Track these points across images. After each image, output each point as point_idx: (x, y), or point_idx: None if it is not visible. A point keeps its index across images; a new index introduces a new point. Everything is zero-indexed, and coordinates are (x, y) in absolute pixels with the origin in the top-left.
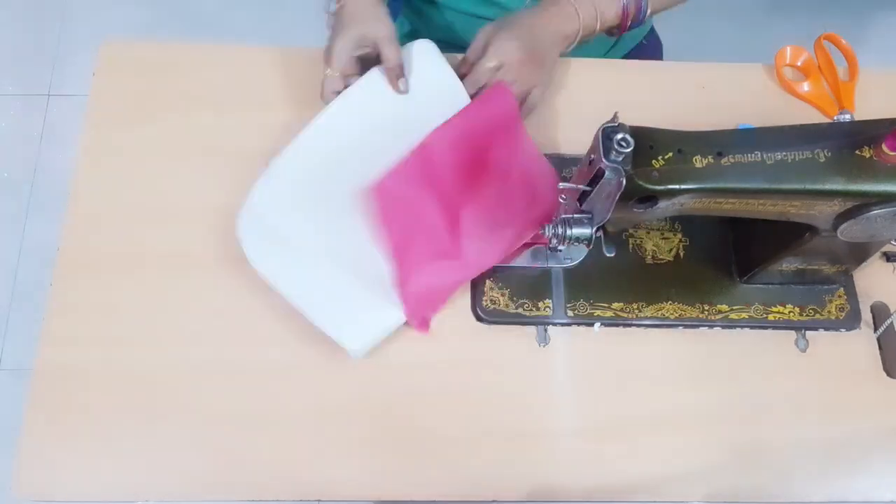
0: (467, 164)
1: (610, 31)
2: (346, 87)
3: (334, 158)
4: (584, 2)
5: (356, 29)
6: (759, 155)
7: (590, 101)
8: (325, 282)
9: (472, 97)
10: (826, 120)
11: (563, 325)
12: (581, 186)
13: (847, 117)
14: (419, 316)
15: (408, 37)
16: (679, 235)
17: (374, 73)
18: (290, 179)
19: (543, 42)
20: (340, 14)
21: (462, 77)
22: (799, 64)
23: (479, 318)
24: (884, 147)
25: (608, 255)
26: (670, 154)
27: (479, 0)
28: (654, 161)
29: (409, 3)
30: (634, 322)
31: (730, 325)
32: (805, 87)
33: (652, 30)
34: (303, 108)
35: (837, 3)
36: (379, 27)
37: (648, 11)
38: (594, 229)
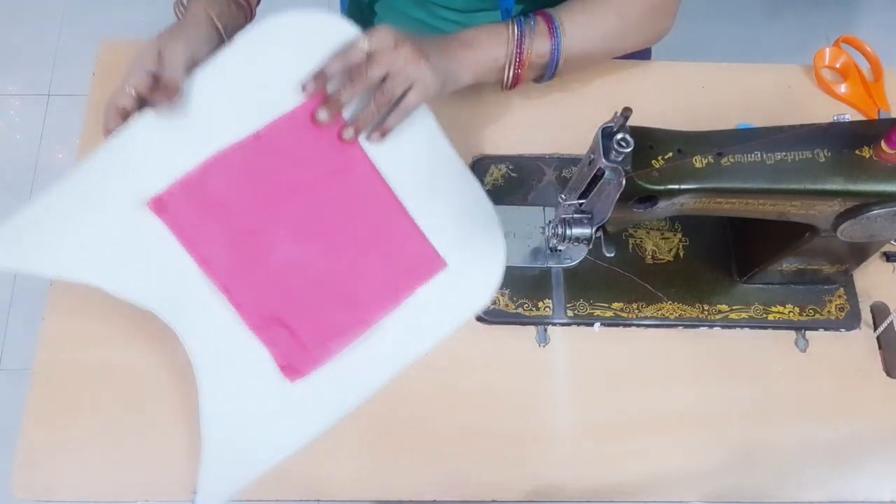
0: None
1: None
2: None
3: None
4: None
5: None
6: (758, 155)
7: (590, 101)
8: None
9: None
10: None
11: (562, 325)
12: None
13: (846, 117)
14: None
15: None
16: (679, 235)
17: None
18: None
19: (435, 42)
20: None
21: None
22: (838, 66)
23: (478, 318)
24: (883, 147)
25: (608, 255)
26: (670, 154)
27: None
28: (653, 161)
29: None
30: (634, 322)
31: (730, 325)
32: (843, 88)
33: None
34: None
35: (837, 3)
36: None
37: (561, 61)
38: (594, 229)
